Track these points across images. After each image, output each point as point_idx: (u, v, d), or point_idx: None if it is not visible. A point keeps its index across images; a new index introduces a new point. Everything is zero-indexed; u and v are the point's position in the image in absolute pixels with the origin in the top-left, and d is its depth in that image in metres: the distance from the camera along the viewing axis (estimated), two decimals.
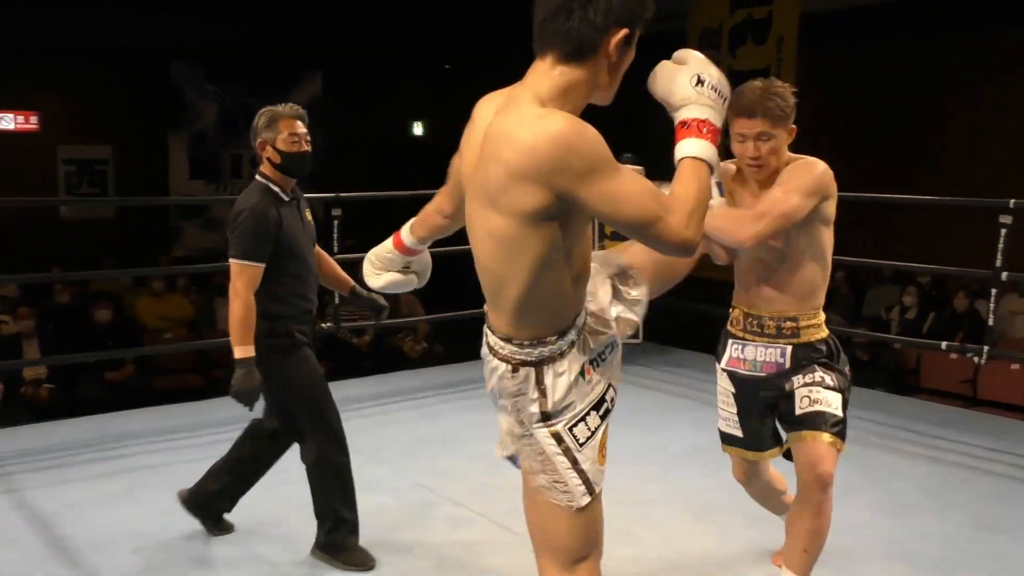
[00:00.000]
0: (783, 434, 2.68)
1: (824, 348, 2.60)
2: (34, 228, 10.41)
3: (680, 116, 1.68)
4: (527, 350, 1.76)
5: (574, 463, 1.79)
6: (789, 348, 2.59)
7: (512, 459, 1.96)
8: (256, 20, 10.85)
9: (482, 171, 1.63)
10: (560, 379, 1.77)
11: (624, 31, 1.63)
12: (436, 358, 7.72)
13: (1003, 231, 4.41)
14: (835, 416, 2.52)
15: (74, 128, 11.17)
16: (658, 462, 4.12)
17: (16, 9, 9.47)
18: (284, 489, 3.53)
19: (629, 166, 2.25)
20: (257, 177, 3.08)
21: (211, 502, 3.30)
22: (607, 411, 1.84)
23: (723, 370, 2.73)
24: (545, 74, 1.64)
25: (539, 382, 1.77)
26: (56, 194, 11.15)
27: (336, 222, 5.18)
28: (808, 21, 8.72)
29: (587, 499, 1.81)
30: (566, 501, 1.80)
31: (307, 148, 3.08)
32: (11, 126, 10.90)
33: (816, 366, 2.57)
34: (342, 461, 3.14)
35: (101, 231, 11.06)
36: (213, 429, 4.31)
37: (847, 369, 2.64)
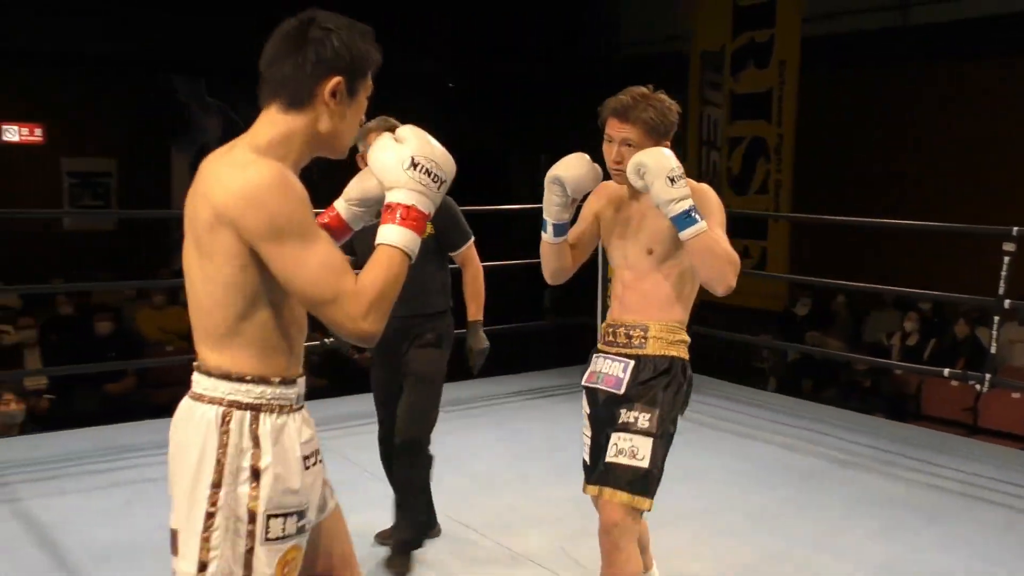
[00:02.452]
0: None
1: (666, 365, 2.43)
2: (37, 239, 10.43)
3: (387, 199, 1.63)
4: (237, 386, 1.60)
5: (249, 557, 1.59)
6: (632, 363, 2.44)
7: None
8: (260, 35, 10.90)
9: (191, 209, 1.61)
10: (286, 435, 1.64)
11: (337, 79, 1.60)
12: None
13: (1006, 259, 4.42)
14: (637, 470, 2.33)
15: (78, 141, 11.20)
16: None
17: (21, 22, 9.53)
18: None
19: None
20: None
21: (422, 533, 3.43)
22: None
23: (583, 386, 2.59)
24: (267, 123, 1.62)
25: (258, 429, 1.61)
26: (59, 206, 11.17)
27: None
28: (810, 45, 8.78)
29: None
30: None
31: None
32: (16, 138, 10.93)
33: (643, 397, 2.40)
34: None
35: (103, 243, 11.08)
36: None
37: (682, 395, 2.46)
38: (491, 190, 11.28)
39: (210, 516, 1.55)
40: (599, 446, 2.48)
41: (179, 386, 1.74)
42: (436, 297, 3.26)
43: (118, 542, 3.35)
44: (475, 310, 3.36)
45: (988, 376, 4.53)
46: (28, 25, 9.72)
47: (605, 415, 2.49)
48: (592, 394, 2.55)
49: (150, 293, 8.68)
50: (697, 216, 2.25)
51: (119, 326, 7.82)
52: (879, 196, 8.70)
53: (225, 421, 1.57)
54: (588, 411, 2.58)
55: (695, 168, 9.67)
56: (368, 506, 3.81)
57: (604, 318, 2.71)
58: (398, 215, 1.60)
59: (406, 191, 1.61)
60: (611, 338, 2.51)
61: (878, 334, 8.39)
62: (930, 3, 8.94)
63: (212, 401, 1.58)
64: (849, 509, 3.88)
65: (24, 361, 6.79)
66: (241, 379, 1.59)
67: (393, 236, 1.59)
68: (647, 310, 2.47)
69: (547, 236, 2.48)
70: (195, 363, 1.64)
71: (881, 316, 8.69)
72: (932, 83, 8.98)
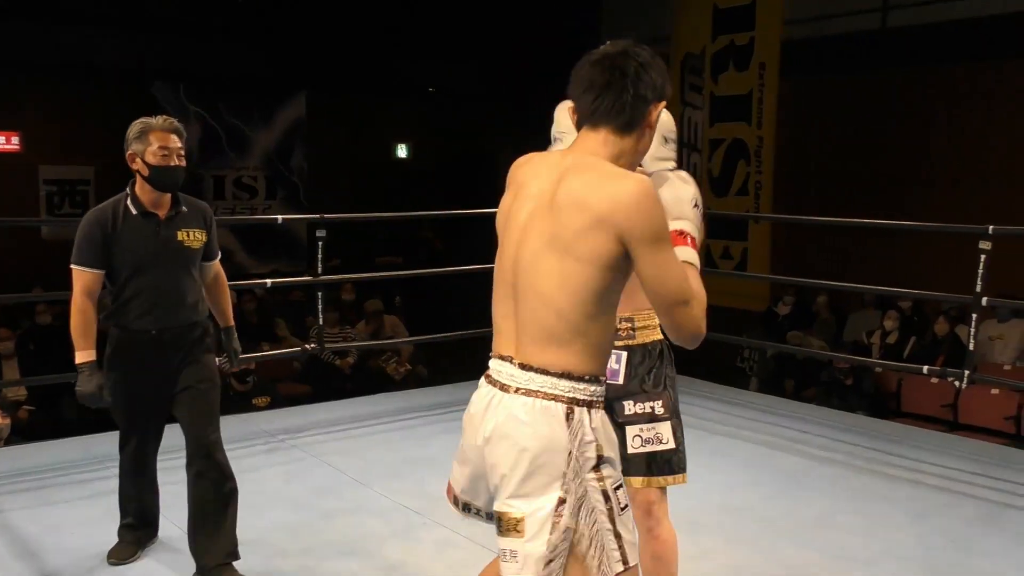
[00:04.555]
0: None
1: (657, 349, 2.58)
2: (15, 248, 10.35)
3: (676, 225, 1.97)
4: (576, 384, 1.76)
5: (614, 525, 1.76)
6: (624, 354, 2.55)
7: (473, 512, 1.98)
8: (240, 41, 10.89)
9: (553, 219, 1.77)
10: (606, 426, 1.81)
11: (661, 105, 1.86)
12: (419, 380, 7.71)
13: (982, 257, 4.47)
14: (667, 451, 2.50)
15: (56, 149, 11.13)
16: None
17: None
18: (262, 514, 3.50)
19: None
20: (126, 188, 3.05)
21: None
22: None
23: None
24: (602, 142, 1.83)
25: (591, 423, 1.77)
26: (37, 214, 11.09)
27: (320, 243, 5.18)
28: (790, 48, 8.84)
29: (620, 567, 1.76)
30: (596, 568, 1.74)
31: (178, 163, 3.00)
32: None
33: (646, 386, 2.53)
34: (132, 484, 3.29)
35: None
36: None
37: (673, 371, 2.61)
38: (477, 194, 11.30)
39: (561, 502, 1.72)
40: None
41: None
42: (202, 305, 3.19)
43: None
44: (231, 316, 3.41)
45: (967, 373, 4.58)
46: (4, 33, 9.64)
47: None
48: None
49: None
50: (695, 248, 2.46)
51: (99, 335, 7.75)
52: (859, 197, 8.78)
53: (569, 417, 1.74)
54: None
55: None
56: (354, 510, 3.81)
57: None
58: (689, 240, 1.98)
59: (692, 224, 2.02)
60: None
61: (859, 333, 8.45)
62: (909, 7, 9.03)
63: (552, 398, 1.75)
64: (832, 506, 3.90)
65: (2, 372, 6.73)
66: (580, 378, 1.76)
67: (692, 257, 1.93)
68: (626, 302, 2.51)
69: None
70: (509, 358, 1.81)
71: (862, 315, 8.76)
72: (911, 86, 9.07)
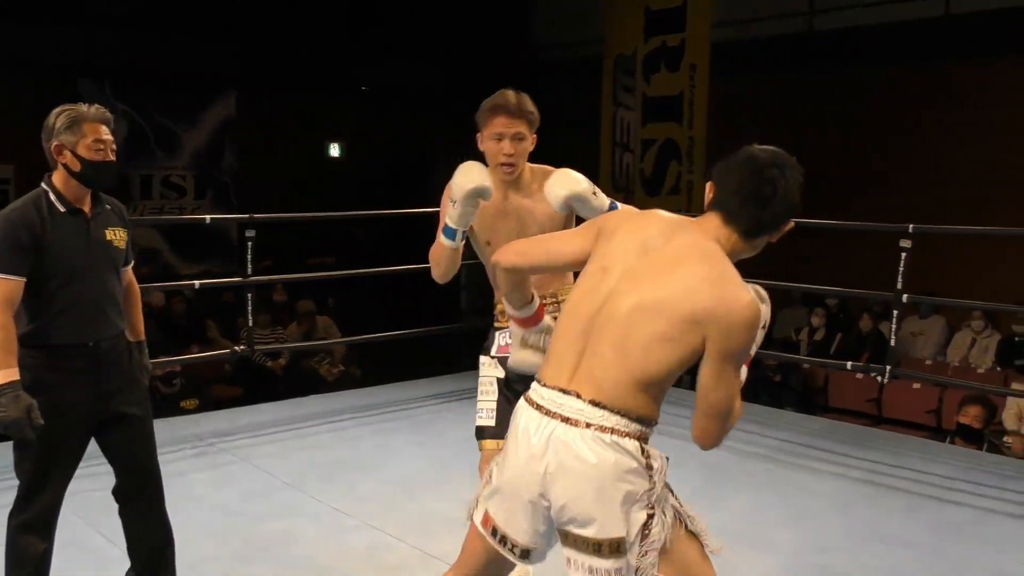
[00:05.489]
0: None
1: None
2: None
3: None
4: (646, 428, 1.92)
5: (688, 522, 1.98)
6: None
7: (509, 547, 2.01)
8: (168, 37, 10.66)
9: (661, 286, 1.86)
10: (661, 461, 1.93)
11: (792, 223, 1.94)
12: (353, 381, 7.64)
13: (903, 255, 4.59)
14: None
15: None
16: None
17: None
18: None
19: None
20: (42, 183, 2.68)
21: None
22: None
23: (492, 357, 2.82)
24: (725, 238, 1.92)
25: (645, 456, 1.90)
26: None
27: (250, 244, 5.10)
28: (720, 49, 8.98)
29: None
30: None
31: (112, 157, 2.67)
32: None
33: None
34: (37, 545, 2.63)
35: None
36: None
37: None
38: (411, 194, 11.24)
39: (649, 518, 1.89)
40: (507, 402, 2.69)
41: None
42: (122, 315, 2.81)
43: None
44: (142, 329, 2.95)
45: (888, 368, 4.70)
46: None
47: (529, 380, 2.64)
48: (503, 360, 2.74)
49: None
50: None
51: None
52: None
53: (643, 450, 1.90)
54: (501, 376, 2.78)
55: (609, 169, 9.79)
56: (285, 514, 3.76)
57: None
58: (749, 360, 2.07)
59: (757, 346, 2.04)
60: None
61: (787, 330, 8.62)
62: (835, 10, 9.23)
63: (628, 435, 1.88)
64: (760, 500, 3.97)
65: None
66: (650, 422, 1.92)
67: (744, 377, 2.05)
68: (551, 284, 2.71)
69: (451, 243, 2.58)
70: (573, 393, 1.89)
71: (790, 312, 8.94)
72: (837, 88, 9.27)
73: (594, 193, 2.53)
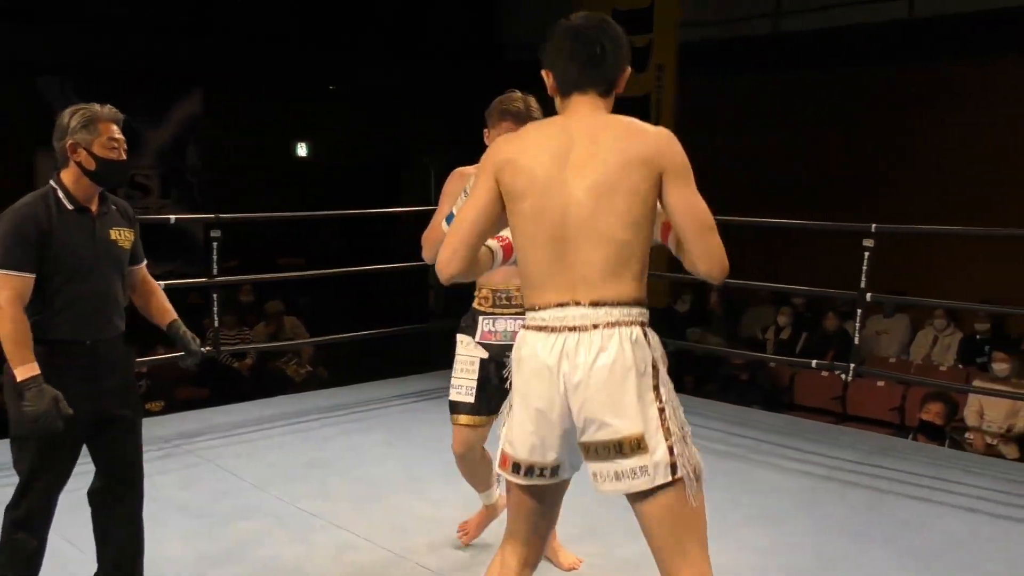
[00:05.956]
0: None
1: None
2: None
3: None
4: (642, 309, 2.01)
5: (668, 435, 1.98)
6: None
7: (537, 473, 2.05)
8: (132, 35, 10.54)
9: (594, 171, 1.96)
10: (660, 347, 2.03)
11: (630, 69, 2.09)
12: (320, 382, 7.60)
13: (866, 254, 4.65)
14: None
15: None
16: None
17: None
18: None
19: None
20: (51, 181, 2.71)
21: None
22: None
23: (477, 343, 3.03)
24: (594, 107, 2.05)
25: (648, 341, 1.99)
26: None
27: (215, 243, 5.05)
28: (687, 50, 9.03)
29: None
30: (687, 477, 1.97)
31: (124, 156, 2.73)
32: None
33: None
34: (30, 541, 2.64)
35: None
36: None
37: None
38: (379, 194, 11.19)
39: (661, 411, 1.96)
40: (488, 383, 2.98)
41: None
42: (123, 316, 2.84)
43: None
44: (171, 308, 3.03)
45: (852, 366, 4.76)
46: None
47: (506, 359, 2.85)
48: (488, 347, 3.02)
49: None
50: None
51: None
52: (755, 197, 9.00)
53: (646, 337, 1.98)
54: (485, 356, 3.01)
55: None
56: (251, 515, 3.73)
57: None
58: None
59: None
60: (504, 301, 3.01)
61: (754, 329, 8.69)
62: (799, 13, 9.32)
63: (630, 323, 1.96)
64: (728, 497, 3.99)
65: None
66: (641, 303, 2.00)
67: None
68: (512, 278, 2.89)
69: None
70: (572, 303, 1.96)
71: (757, 311, 9.01)
72: (802, 89, 9.36)
73: None
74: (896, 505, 4.02)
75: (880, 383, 6.99)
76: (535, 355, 1.98)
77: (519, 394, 2.04)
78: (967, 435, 5.95)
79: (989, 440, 5.86)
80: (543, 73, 2.10)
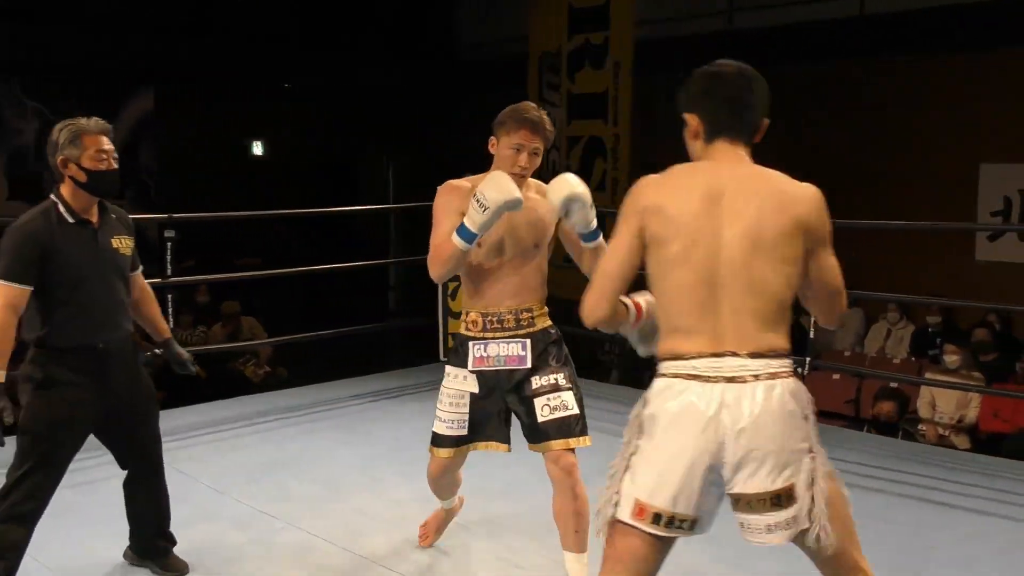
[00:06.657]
0: (524, 436, 2.93)
1: (553, 332, 2.95)
2: None
3: None
4: (791, 360, 2.02)
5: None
6: (528, 341, 2.88)
7: (677, 524, 2.06)
8: (82, 31, 10.36)
9: (751, 213, 1.99)
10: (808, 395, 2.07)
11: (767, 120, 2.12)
12: (279, 382, 7.54)
13: None
14: (574, 417, 2.85)
15: None
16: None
17: None
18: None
19: None
20: (51, 196, 2.86)
21: None
22: None
23: (471, 372, 2.92)
24: (739, 154, 2.11)
25: (801, 391, 2.02)
26: None
27: (169, 244, 4.99)
28: (643, 47, 9.08)
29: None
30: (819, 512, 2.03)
31: (115, 166, 2.88)
32: None
33: (550, 363, 2.89)
34: (16, 533, 2.77)
35: None
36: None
37: (567, 352, 2.97)
38: (336, 194, 11.11)
39: (813, 458, 2.00)
40: (487, 414, 2.94)
41: None
42: (129, 318, 3.04)
43: None
44: (166, 326, 3.31)
45: (808, 360, 4.83)
46: None
47: (506, 386, 2.90)
48: (481, 375, 2.91)
49: None
50: (598, 230, 2.82)
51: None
52: None
53: (800, 387, 2.00)
54: (476, 391, 2.92)
55: None
56: (209, 517, 3.70)
57: (444, 318, 3.01)
58: None
59: None
60: (496, 324, 2.90)
61: None
62: (753, 9, 9.41)
63: (788, 375, 1.98)
64: None
65: None
66: (789, 354, 2.02)
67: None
68: (524, 294, 2.91)
69: (468, 246, 2.74)
70: (729, 353, 1.94)
71: None
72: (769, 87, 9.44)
73: (592, 206, 2.77)
74: (851, 496, 4.07)
75: (835, 376, 7.08)
76: (691, 404, 1.94)
77: (665, 442, 1.98)
78: (919, 427, 6.06)
79: (941, 431, 5.97)
80: (685, 116, 2.13)
